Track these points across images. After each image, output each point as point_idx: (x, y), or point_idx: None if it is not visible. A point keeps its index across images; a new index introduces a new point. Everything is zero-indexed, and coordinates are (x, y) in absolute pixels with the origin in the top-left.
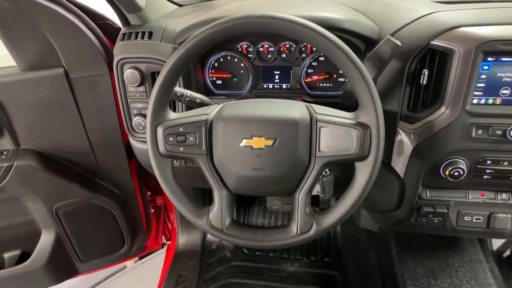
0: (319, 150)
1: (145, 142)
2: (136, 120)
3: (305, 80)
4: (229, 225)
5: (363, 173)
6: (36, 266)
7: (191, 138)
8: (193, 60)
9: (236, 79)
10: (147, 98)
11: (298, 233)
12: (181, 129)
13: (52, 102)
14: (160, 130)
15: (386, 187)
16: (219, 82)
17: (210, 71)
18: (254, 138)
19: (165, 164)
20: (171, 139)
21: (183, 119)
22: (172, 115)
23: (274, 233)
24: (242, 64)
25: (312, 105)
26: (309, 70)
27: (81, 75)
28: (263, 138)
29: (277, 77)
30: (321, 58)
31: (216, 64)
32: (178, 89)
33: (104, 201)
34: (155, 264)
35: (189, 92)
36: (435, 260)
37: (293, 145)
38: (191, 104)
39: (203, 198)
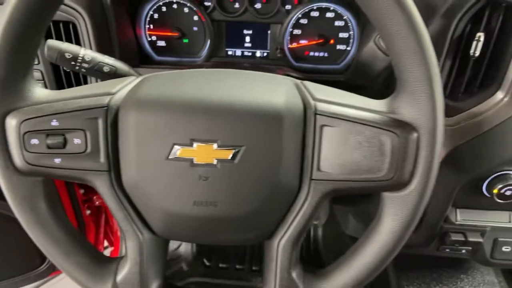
0: (318, 169)
1: None
2: None
3: (289, 46)
4: None
5: (396, 213)
6: None
7: (77, 141)
8: None
9: (187, 40)
10: None
11: None
12: (54, 123)
13: None
14: (12, 123)
15: None
16: (161, 43)
17: (147, 26)
18: (196, 145)
19: (27, 188)
20: (35, 141)
21: (60, 103)
22: (39, 93)
23: None
24: (195, 17)
25: (307, 83)
26: (296, 31)
27: None
28: (214, 145)
29: (248, 39)
30: (314, 14)
31: (156, 16)
32: (68, 46)
33: (5, 206)
34: None
35: (89, 53)
36: (442, 283)
37: (272, 160)
38: (94, 75)
39: None
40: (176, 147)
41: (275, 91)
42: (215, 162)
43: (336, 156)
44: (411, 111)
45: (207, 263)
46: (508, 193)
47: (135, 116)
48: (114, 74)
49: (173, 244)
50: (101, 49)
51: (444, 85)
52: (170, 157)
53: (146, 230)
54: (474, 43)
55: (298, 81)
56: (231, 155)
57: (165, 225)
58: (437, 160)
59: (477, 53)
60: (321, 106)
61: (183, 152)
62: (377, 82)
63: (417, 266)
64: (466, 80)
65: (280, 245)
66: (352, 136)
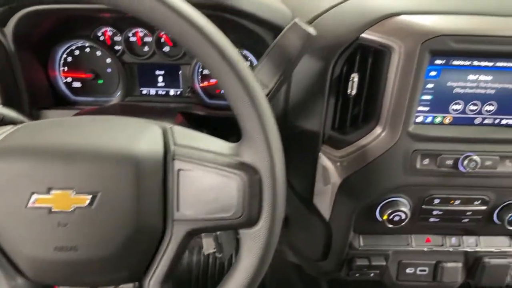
0: (177, 210)
1: None
2: None
3: (201, 85)
4: None
5: (250, 249)
6: None
7: None
8: None
9: (101, 81)
10: None
11: None
12: None
13: None
14: None
15: (308, 230)
16: (77, 84)
17: (61, 68)
18: (52, 192)
19: None
20: None
21: None
22: None
23: None
24: (108, 60)
25: (176, 128)
26: (206, 71)
27: None
28: (71, 192)
29: (160, 79)
30: None
31: (70, 59)
32: None
33: None
34: None
35: None
36: None
37: (131, 204)
38: None
39: None
40: (34, 195)
41: (136, 136)
42: (72, 208)
43: (192, 197)
44: (251, 154)
45: None
46: (396, 218)
47: None
48: (1, 122)
49: None
50: (6, 93)
51: (332, 120)
52: (29, 205)
53: (18, 275)
54: (350, 83)
55: (168, 126)
56: (88, 202)
57: (34, 270)
58: (282, 198)
59: (354, 92)
60: (179, 151)
61: (40, 200)
62: None
63: None
64: (351, 115)
65: (150, 285)
66: (204, 179)
